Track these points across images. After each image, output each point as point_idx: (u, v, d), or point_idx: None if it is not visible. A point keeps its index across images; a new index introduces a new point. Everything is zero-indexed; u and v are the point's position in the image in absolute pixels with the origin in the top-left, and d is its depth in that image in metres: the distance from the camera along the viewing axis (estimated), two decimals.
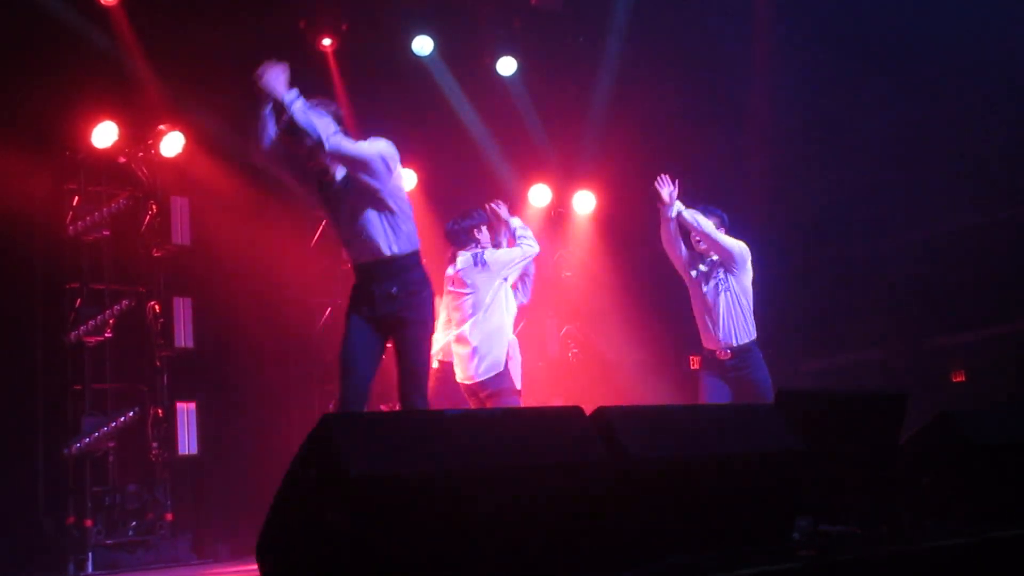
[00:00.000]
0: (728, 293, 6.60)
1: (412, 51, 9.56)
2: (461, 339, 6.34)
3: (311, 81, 9.10)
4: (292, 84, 8.80)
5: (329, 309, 9.52)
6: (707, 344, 6.68)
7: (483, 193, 10.48)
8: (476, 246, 6.58)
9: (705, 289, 6.63)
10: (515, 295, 6.65)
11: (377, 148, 5.20)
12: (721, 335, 6.56)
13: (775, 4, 9.75)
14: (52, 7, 7.65)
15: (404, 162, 9.89)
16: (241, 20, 8.33)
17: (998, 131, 9.24)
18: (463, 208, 10.32)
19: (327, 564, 2.85)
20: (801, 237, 10.13)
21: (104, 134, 7.88)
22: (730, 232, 6.69)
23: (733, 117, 10.48)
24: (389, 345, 5.31)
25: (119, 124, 7.92)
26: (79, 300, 7.86)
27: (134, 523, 7.58)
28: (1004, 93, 9.33)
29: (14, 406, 7.57)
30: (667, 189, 6.58)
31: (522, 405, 6.56)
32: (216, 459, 8.16)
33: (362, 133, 9.47)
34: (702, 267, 6.69)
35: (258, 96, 5.06)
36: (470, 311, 6.34)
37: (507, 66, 10.02)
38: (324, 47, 9.25)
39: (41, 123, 7.71)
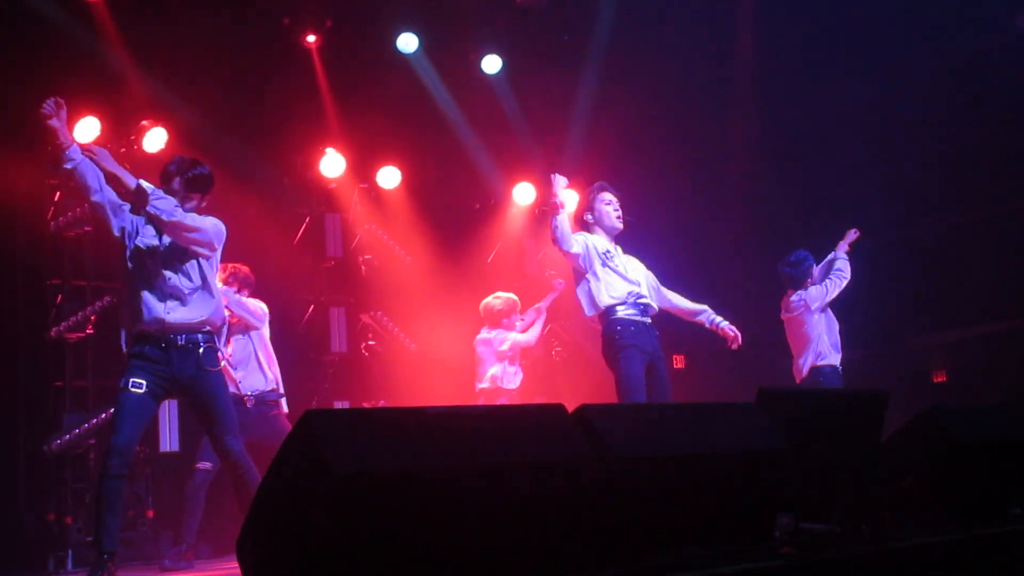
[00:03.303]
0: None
1: (397, 48, 9.55)
2: None
3: (295, 79, 9.13)
4: (276, 81, 8.77)
5: (312, 306, 9.51)
6: (832, 361, 7.58)
7: (467, 191, 10.53)
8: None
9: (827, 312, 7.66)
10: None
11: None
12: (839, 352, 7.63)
13: (759, 2, 9.78)
14: (34, 2, 7.61)
15: (389, 159, 9.96)
16: (224, 16, 8.32)
17: (981, 131, 9.28)
18: (448, 206, 10.35)
19: (309, 561, 2.84)
20: (782, 239, 10.16)
21: (86, 129, 7.84)
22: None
23: (718, 116, 10.50)
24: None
25: (101, 119, 7.88)
26: (60, 296, 7.83)
27: None
28: (986, 95, 9.37)
29: None
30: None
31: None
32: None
33: (348, 130, 9.51)
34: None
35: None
36: None
37: (492, 64, 10.01)
38: (308, 44, 9.23)
39: (23, 118, 7.66)
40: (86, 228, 7.95)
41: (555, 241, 6.19)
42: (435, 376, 9.47)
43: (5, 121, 7.56)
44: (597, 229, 6.44)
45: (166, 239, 5.39)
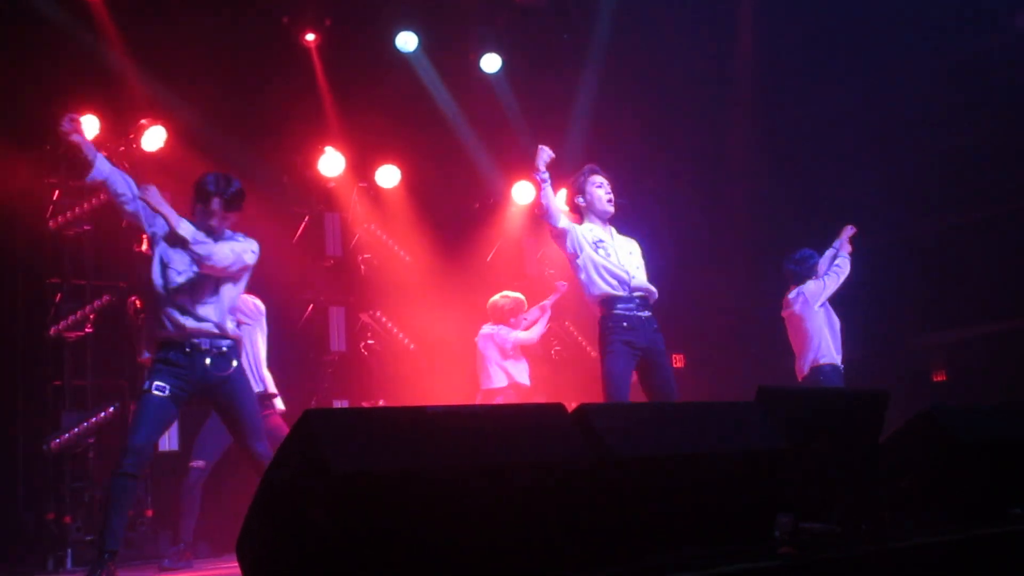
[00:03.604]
0: None
1: (396, 47, 9.54)
2: None
3: (294, 77, 9.12)
4: (275, 80, 8.72)
5: (311, 305, 9.51)
6: (833, 360, 7.51)
7: (466, 190, 10.53)
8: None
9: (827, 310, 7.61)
10: None
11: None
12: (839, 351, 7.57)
13: (759, 2, 9.78)
14: (34, 1, 7.60)
15: (388, 158, 9.94)
16: (223, 15, 8.32)
17: (982, 131, 9.28)
18: (447, 205, 10.33)
19: (308, 561, 2.83)
20: (782, 239, 10.16)
21: (86, 128, 7.82)
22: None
23: (718, 115, 10.50)
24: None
25: (100, 118, 7.88)
26: (59, 295, 7.83)
27: None
28: (986, 95, 9.37)
29: None
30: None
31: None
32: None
33: (347, 129, 9.51)
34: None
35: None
36: None
37: (491, 63, 10.01)
38: (307, 43, 9.23)
39: (21, 116, 7.67)
40: (85, 227, 7.96)
41: (542, 215, 6.05)
42: (434, 375, 9.46)
43: (4, 120, 7.55)
44: (590, 215, 6.25)
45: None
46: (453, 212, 10.48)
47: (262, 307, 7.16)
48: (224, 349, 5.44)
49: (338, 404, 9.19)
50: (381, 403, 9.19)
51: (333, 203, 9.74)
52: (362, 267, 9.83)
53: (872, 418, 4.44)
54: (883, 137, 9.88)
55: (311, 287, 9.56)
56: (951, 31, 9.29)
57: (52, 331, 7.67)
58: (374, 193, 9.95)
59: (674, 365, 10.52)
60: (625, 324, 5.97)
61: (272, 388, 7.15)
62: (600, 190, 6.24)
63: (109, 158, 7.98)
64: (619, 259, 6.13)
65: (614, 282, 6.05)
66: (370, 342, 9.73)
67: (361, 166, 9.74)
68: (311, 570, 2.82)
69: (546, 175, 5.95)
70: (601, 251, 6.08)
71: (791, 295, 7.71)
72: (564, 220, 6.09)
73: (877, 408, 4.45)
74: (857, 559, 3.45)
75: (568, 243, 6.09)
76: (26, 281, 7.93)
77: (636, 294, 6.08)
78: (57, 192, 7.92)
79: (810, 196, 10.03)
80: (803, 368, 7.65)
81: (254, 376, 7.02)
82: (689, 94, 10.20)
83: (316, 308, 9.55)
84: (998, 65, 9.28)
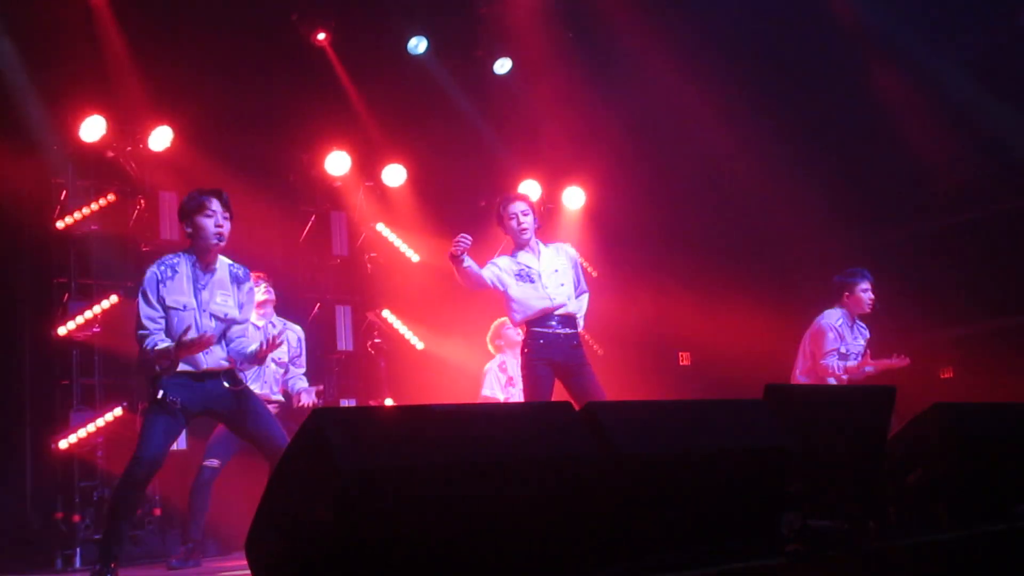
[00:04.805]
0: None
1: (404, 47, 9.55)
2: None
3: (301, 76, 9.12)
4: (281, 79, 8.72)
5: (318, 304, 9.52)
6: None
7: (472, 189, 10.53)
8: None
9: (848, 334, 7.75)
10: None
11: None
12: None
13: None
14: (38, 1, 7.63)
15: (394, 158, 9.95)
16: (230, 13, 8.32)
17: (996, 126, 9.26)
18: (453, 204, 10.33)
19: (316, 559, 2.85)
20: (785, 236, 10.16)
21: (92, 128, 7.86)
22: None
23: (721, 114, 10.47)
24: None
25: (107, 118, 7.90)
26: (67, 295, 7.85)
27: None
28: (1000, 90, 9.34)
29: (1, 401, 7.56)
30: None
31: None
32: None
33: (354, 128, 9.51)
34: None
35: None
36: None
37: (500, 65, 10.02)
38: (318, 42, 9.23)
39: (29, 117, 7.68)
40: (92, 227, 7.97)
41: (470, 288, 6.46)
42: (441, 374, 9.47)
43: (11, 119, 7.58)
44: (511, 242, 6.63)
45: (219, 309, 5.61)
46: (459, 211, 10.47)
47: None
48: (236, 372, 5.67)
49: (345, 403, 9.21)
50: (388, 402, 9.20)
51: (339, 202, 9.74)
52: (368, 266, 9.83)
53: (879, 415, 4.44)
54: (892, 132, 9.85)
55: (317, 286, 9.57)
56: (968, 24, 9.27)
57: (60, 330, 7.70)
58: (380, 192, 9.95)
59: (681, 363, 10.56)
60: (542, 341, 6.37)
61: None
62: (511, 222, 6.57)
63: (117, 158, 8.05)
64: (544, 282, 6.45)
65: (536, 307, 6.41)
66: (377, 341, 9.74)
67: (367, 165, 9.74)
68: (319, 568, 2.83)
69: (463, 259, 6.22)
70: (525, 282, 6.44)
71: (825, 312, 7.70)
72: (487, 275, 6.40)
73: (884, 405, 4.46)
74: (863, 556, 3.46)
75: (496, 286, 6.46)
76: (33, 281, 7.96)
77: (557, 313, 6.42)
78: (64, 192, 7.94)
79: (818, 193, 10.01)
80: (796, 376, 7.71)
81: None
82: (694, 91, 10.18)
83: (323, 307, 9.56)
84: (1013, 59, 9.25)
